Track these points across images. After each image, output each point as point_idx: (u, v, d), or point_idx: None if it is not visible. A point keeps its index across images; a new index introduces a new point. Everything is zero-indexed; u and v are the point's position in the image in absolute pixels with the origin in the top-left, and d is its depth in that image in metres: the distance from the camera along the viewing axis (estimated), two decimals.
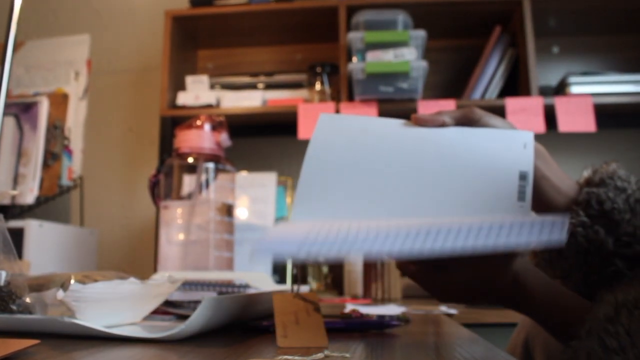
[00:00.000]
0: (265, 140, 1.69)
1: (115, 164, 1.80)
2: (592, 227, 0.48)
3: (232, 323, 0.52)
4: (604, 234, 0.47)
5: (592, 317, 0.39)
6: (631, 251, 0.47)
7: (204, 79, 1.61)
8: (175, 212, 1.08)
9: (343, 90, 1.52)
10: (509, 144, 0.49)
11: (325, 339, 0.44)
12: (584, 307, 0.43)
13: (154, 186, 1.15)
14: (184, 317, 0.51)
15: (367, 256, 0.50)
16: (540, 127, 1.40)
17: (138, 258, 1.72)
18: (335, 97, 1.56)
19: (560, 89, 1.51)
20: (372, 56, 1.43)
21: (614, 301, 0.39)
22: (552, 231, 0.38)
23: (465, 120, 0.52)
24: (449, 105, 1.44)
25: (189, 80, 1.61)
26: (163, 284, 0.49)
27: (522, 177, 0.46)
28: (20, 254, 1.21)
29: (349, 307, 0.75)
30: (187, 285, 0.66)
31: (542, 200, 0.51)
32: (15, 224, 1.24)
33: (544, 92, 1.54)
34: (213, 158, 1.10)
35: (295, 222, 0.47)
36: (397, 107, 1.47)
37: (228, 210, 1.11)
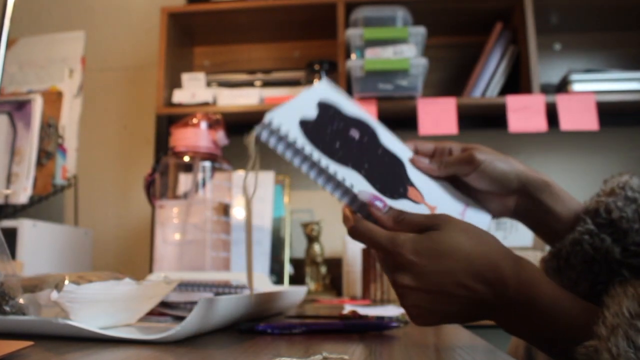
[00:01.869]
0: None
1: (110, 163, 1.78)
2: (599, 235, 0.47)
3: (229, 325, 0.52)
4: (611, 242, 0.47)
5: (614, 312, 0.36)
6: (639, 261, 0.46)
7: (201, 76, 1.59)
8: (171, 212, 1.07)
9: (342, 88, 1.51)
10: None
11: None
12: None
13: (149, 185, 1.14)
14: (180, 319, 0.50)
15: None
16: (542, 125, 1.40)
17: (133, 258, 1.71)
18: None
19: (562, 86, 1.50)
20: (371, 53, 1.43)
21: (636, 294, 0.37)
22: None
23: (465, 167, 0.53)
24: (449, 103, 1.43)
25: (185, 77, 1.60)
26: (159, 284, 0.48)
27: None
28: (13, 254, 1.19)
29: (348, 308, 0.75)
30: (183, 286, 0.66)
31: (547, 233, 0.53)
32: (8, 223, 1.23)
33: (546, 89, 1.54)
34: (209, 157, 1.09)
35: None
36: (397, 105, 1.46)
37: (225, 209, 1.10)
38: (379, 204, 0.48)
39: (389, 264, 0.45)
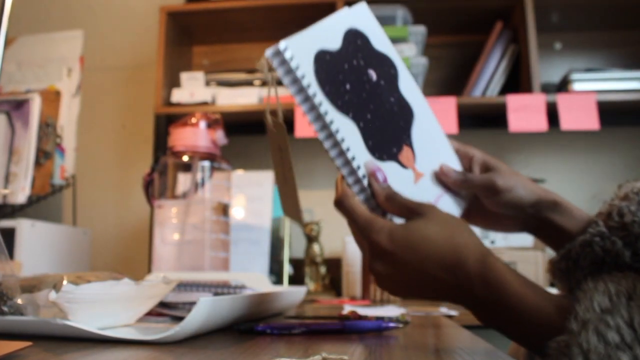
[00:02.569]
0: (261, 138, 1.68)
1: (109, 163, 1.78)
2: (610, 237, 0.48)
3: (228, 325, 0.52)
4: (622, 245, 0.47)
5: (585, 307, 0.36)
6: None
7: (199, 75, 1.59)
8: (169, 212, 1.06)
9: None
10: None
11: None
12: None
13: (148, 185, 1.14)
14: (178, 319, 0.49)
15: None
16: (542, 124, 1.39)
17: (132, 258, 1.71)
18: None
19: (563, 85, 1.50)
20: None
21: (607, 290, 0.37)
22: None
23: (485, 192, 0.54)
24: (449, 103, 1.43)
25: (184, 77, 1.60)
26: (157, 285, 0.48)
27: None
28: (11, 254, 1.19)
29: (347, 309, 0.75)
30: (182, 286, 0.65)
31: (558, 246, 0.53)
32: (6, 223, 1.23)
33: (546, 89, 1.53)
34: (208, 156, 1.08)
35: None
36: None
37: (224, 209, 1.10)
38: (379, 175, 0.48)
39: (366, 249, 0.47)
